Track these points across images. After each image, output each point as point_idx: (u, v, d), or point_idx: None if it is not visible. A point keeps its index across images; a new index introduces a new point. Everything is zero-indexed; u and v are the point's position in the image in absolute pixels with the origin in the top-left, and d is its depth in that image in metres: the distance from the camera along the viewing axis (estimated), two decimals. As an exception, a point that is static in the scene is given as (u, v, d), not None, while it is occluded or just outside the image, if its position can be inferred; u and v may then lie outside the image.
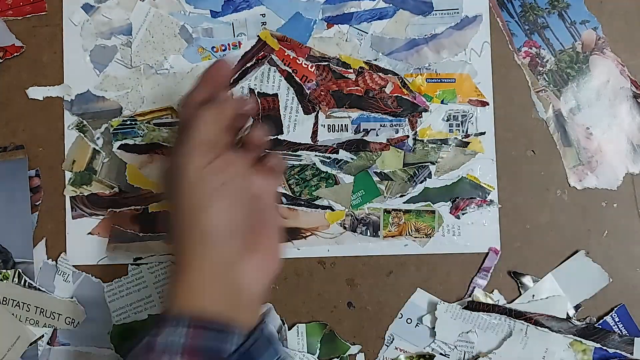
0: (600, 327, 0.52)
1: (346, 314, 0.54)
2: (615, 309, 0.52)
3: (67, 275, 0.54)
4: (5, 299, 0.54)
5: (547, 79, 0.53)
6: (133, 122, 0.54)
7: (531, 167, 0.53)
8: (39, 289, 0.54)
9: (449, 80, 0.53)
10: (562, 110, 0.53)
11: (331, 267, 0.54)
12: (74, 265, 0.54)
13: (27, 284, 0.54)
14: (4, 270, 0.54)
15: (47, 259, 0.54)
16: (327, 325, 0.53)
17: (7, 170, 0.54)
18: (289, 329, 0.53)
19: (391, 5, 0.53)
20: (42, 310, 0.54)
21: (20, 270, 0.54)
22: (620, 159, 0.53)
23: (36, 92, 0.55)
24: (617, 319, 0.52)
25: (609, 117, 0.53)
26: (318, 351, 0.53)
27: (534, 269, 0.53)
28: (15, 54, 0.55)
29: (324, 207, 0.53)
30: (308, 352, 0.53)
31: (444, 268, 0.53)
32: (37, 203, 0.55)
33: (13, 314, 0.54)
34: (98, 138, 0.54)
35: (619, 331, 0.52)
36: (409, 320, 0.53)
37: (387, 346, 0.53)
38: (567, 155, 0.53)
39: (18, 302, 0.54)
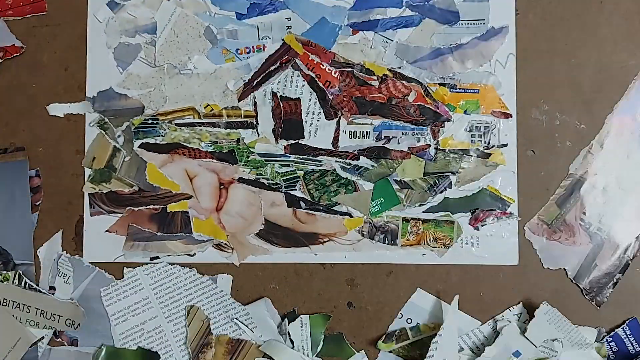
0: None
1: (346, 314, 0.54)
2: (627, 321, 0.52)
3: (68, 276, 0.54)
4: (5, 301, 0.53)
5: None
6: (155, 122, 0.54)
7: (531, 167, 0.53)
8: (40, 291, 0.54)
9: (473, 91, 0.53)
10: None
11: (331, 267, 0.54)
12: (90, 262, 0.54)
13: (27, 285, 0.54)
14: (5, 272, 0.54)
15: (62, 251, 0.54)
16: (330, 317, 0.53)
17: (7, 171, 0.54)
18: (292, 321, 0.53)
19: (417, 13, 0.53)
20: (42, 312, 0.54)
21: (20, 272, 0.54)
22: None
23: (56, 109, 0.55)
24: (628, 332, 0.52)
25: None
26: (322, 343, 0.53)
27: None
28: (15, 54, 0.55)
29: (342, 213, 0.53)
30: (311, 343, 0.53)
31: (444, 269, 0.53)
32: (37, 203, 0.55)
33: (13, 316, 0.53)
34: (119, 136, 0.54)
35: (630, 344, 0.52)
36: (409, 320, 0.53)
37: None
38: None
39: (18, 303, 0.53)
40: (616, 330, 0.52)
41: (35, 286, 0.54)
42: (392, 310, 0.53)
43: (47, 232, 0.55)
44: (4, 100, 0.55)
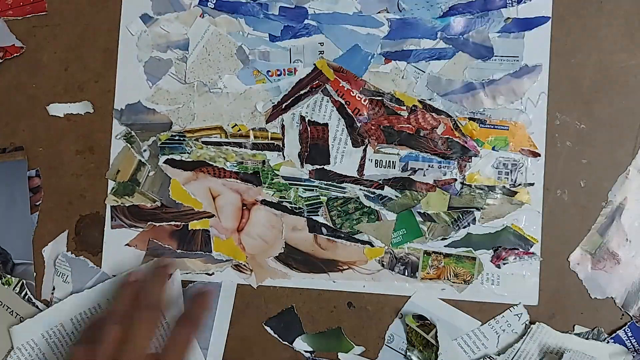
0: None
1: (346, 314, 0.53)
2: (629, 323, 0.52)
3: (66, 276, 0.54)
4: (1, 304, 0.53)
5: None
6: (181, 138, 0.54)
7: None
8: (37, 307, 0.54)
9: (502, 128, 0.53)
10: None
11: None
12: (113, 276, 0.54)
13: (26, 297, 0.54)
14: (8, 276, 0.54)
15: (67, 252, 0.55)
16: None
17: (6, 171, 0.55)
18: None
19: (451, 46, 0.53)
20: None
21: (24, 282, 0.54)
22: None
23: (56, 109, 0.55)
24: (629, 334, 0.52)
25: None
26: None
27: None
28: (15, 54, 0.55)
29: (363, 242, 0.53)
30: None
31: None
32: (37, 203, 0.55)
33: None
34: (145, 150, 0.54)
35: (631, 346, 0.51)
36: (409, 320, 0.53)
37: (388, 346, 0.53)
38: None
39: (12, 311, 0.53)
40: (617, 331, 0.52)
41: (34, 301, 0.54)
42: (392, 310, 0.53)
43: (47, 232, 0.55)
44: (4, 100, 0.56)
